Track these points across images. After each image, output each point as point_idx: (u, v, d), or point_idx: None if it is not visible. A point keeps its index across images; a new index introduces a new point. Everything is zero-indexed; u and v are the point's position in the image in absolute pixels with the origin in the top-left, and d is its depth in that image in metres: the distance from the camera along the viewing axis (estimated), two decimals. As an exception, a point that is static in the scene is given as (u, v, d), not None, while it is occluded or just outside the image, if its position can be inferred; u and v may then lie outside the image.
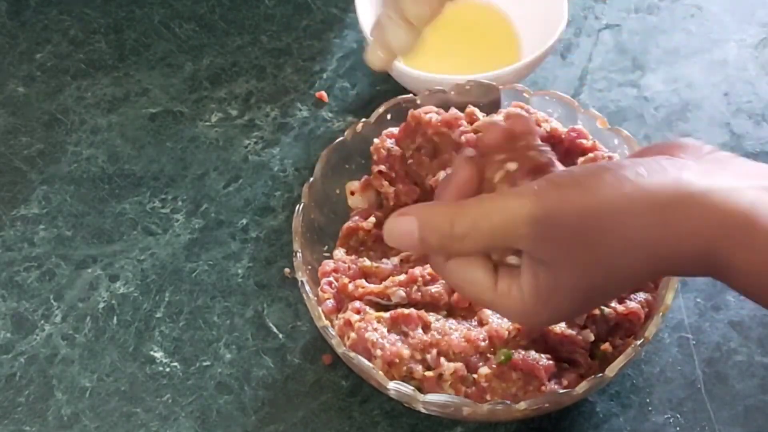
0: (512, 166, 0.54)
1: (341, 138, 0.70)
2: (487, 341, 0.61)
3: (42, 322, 0.70)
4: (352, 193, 0.71)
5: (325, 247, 0.68)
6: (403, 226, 0.53)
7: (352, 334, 0.62)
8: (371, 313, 0.63)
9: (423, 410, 0.61)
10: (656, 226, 0.48)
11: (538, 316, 0.53)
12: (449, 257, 0.53)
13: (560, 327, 0.61)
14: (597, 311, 0.62)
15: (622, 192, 0.48)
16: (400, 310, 0.63)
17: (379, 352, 0.61)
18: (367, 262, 0.66)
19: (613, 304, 0.62)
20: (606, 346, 0.62)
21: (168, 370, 0.68)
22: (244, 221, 0.75)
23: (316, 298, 0.63)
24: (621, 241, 0.49)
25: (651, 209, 0.48)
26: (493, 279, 0.53)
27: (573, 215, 0.49)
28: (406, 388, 0.59)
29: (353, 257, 0.67)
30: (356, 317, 0.62)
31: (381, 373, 0.60)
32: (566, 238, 0.49)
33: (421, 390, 0.60)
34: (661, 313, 0.60)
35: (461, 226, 0.51)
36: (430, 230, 0.52)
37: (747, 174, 0.50)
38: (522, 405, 0.58)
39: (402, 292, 0.64)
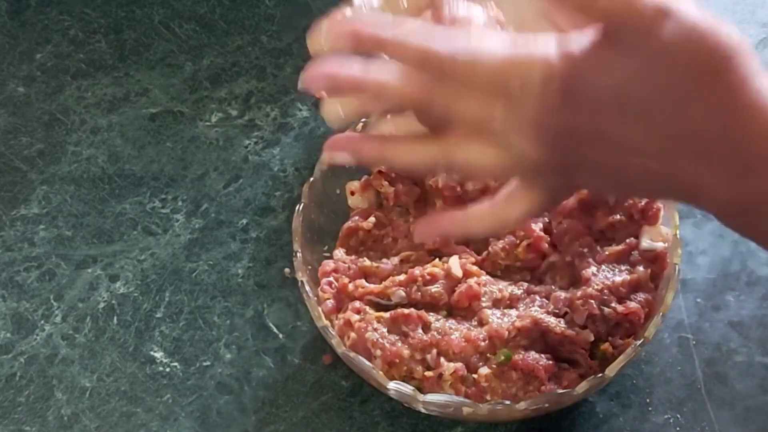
0: None
1: (341, 138, 0.70)
2: (487, 341, 0.61)
3: (42, 322, 0.70)
4: (352, 193, 0.71)
5: (325, 247, 0.68)
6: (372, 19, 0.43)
7: (352, 334, 0.62)
8: (371, 313, 0.63)
9: (423, 410, 0.61)
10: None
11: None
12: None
13: (560, 327, 0.61)
14: (597, 311, 0.61)
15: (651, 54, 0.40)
16: (400, 310, 0.63)
17: (379, 352, 0.61)
18: (367, 262, 0.66)
19: (613, 304, 0.62)
20: (606, 346, 0.62)
21: (168, 370, 0.68)
22: (244, 221, 0.75)
23: (316, 298, 0.63)
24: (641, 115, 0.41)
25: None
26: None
27: (606, 83, 0.40)
28: (406, 388, 0.59)
29: (353, 257, 0.67)
30: (356, 317, 0.62)
31: (381, 373, 0.60)
32: (585, 109, 0.42)
33: (421, 390, 0.60)
34: (661, 313, 0.60)
35: (463, 55, 0.41)
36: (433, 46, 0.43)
37: None
38: (522, 405, 0.58)
39: (402, 292, 0.64)
